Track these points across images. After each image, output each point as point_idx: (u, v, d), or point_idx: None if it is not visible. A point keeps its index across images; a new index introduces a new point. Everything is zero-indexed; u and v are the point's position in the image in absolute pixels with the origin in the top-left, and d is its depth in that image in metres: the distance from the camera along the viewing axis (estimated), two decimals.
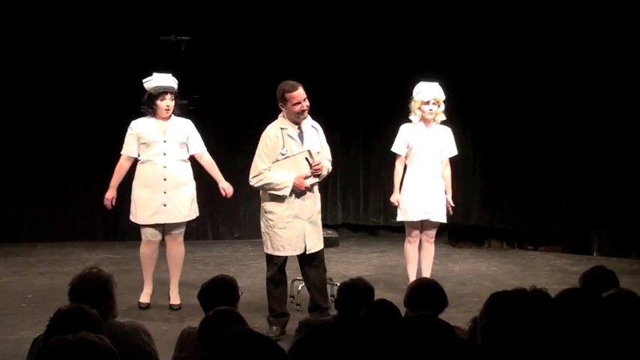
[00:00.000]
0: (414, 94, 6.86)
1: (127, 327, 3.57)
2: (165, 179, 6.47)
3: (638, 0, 8.81)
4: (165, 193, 6.46)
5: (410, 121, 6.93)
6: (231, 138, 9.72)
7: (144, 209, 6.49)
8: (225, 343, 2.47)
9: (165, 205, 6.47)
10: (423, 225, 6.94)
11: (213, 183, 6.86)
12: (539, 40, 9.25)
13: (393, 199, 6.95)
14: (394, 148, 6.97)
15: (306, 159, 5.98)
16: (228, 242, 9.80)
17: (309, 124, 6.10)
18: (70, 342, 2.41)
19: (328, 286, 6.76)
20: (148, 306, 6.54)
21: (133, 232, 9.79)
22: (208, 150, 6.84)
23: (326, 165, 6.09)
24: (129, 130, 6.57)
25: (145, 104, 6.51)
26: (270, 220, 5.98)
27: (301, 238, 5.98)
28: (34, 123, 9.39)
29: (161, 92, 6.43)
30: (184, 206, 6.56)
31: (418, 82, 6.92)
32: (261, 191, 6.08)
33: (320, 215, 6.20)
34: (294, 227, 5.95)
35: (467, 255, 9.34)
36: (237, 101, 9.60)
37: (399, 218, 6.99)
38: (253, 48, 9.53)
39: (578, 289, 3.43)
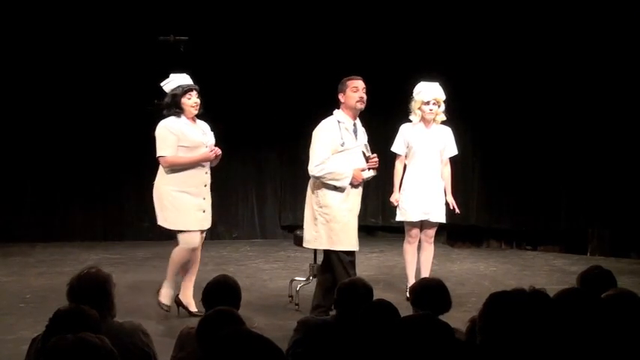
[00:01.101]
0: (414, 94, 6.87)
1: (125, 327, 3.56)
2: (205, 185, 6.28)
3: (638, 0, 8.81)
4: (204, 199, 6.26)
5: (410, 121, 6.94)
6: (230, 138, 9.69)
7: (191, 215, 6.19)
8: (223, 343, 2.46)
9: (204, 212, 6.27)
10: (422, 225, 6.94)
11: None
12: (539, 40, 9.25)
13: (393, 198, 6.95)
14: (394, 148, 6.97)
15: (363, 152, 5.99)
16: (227, 242, 9.80)
17: (360, 125, 6.12)
18: (70, 342, 2.41)
19: None
20: (169, 309, 6.31)
21: (132, 233, 9.89)
22: None
23: None
24: (168, 130, 6.17)
25: (169, 107, 6.24)
26: (325, 214, 5.91)
27: (355, 233, 5.98)
28: (32, 123, 9.40)
29: (186, 90, 6.24)
30: (211, 210, 6.42)
31: (418, 82, 6.92)
32: (312, 186, 6.02)
33: None
34: (350, 222, 5.95)
35: (465, 255, 9.35)
36: (235, 101, 9.60)
37: (399, 218, 6.99)
38: (252, 48, 9.54)
39: (577, 289, 3.43)
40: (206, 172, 6.30)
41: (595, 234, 9.44)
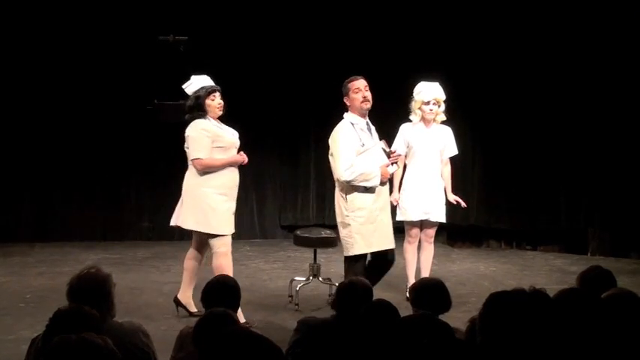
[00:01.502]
0: (414, 94, 6.87)
1: (125, 327, 3.56)
2: (237, 186, 6.21)
3: (638, 0, 8.81)
4: (234, 201, 6.18)
5: (410, 121, 6.94)
6: None
7: (228, 218, 6.10)
8: (223, 343, 2.46)
9: (233, 214, 6.19)
10: (422, 225, 6.95)
11: None
12: (539, 40, 9.25)
13: (392, 198, 6.94)
14: (394, 148, 6.96)
15: (382, 148, 6.02)
16: None
17: (370, 123, 6.12)
18: (73, 342, 2.41)
19: (327, 286, 6.77)
20: (253, 322, 5.98)
21: (132, 233, 9.88)
22: None
23: None
24: (204, 132, 6.03)
25: (192, 109, 6.10)
26: (360, 217, 5.89)
27: (390, 230, 6.02)
28: (32, 123, 9.39)
29: (210, 92, 6.13)
30: None
31: (418, 82, 6.93)
32: (339, 192, 5.97)
33: None
34: (383, 221, 5.97)
35: (465, 255, 9.34)
36: (235, 101, 9.57)
37: (399, 218, 6.99)
38: (252, 48, 9.54)
39: (577, 289, 3.43)
40: (238, 174, 6.23)
41: (595, 234, 9.44)
